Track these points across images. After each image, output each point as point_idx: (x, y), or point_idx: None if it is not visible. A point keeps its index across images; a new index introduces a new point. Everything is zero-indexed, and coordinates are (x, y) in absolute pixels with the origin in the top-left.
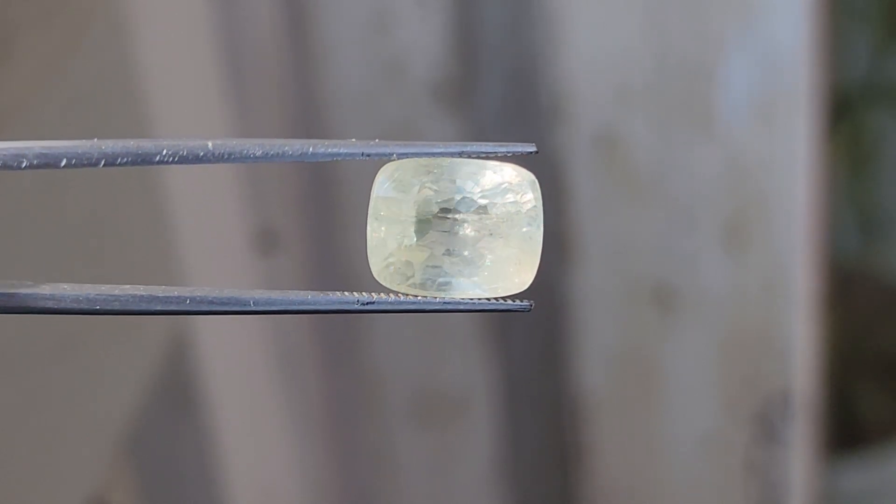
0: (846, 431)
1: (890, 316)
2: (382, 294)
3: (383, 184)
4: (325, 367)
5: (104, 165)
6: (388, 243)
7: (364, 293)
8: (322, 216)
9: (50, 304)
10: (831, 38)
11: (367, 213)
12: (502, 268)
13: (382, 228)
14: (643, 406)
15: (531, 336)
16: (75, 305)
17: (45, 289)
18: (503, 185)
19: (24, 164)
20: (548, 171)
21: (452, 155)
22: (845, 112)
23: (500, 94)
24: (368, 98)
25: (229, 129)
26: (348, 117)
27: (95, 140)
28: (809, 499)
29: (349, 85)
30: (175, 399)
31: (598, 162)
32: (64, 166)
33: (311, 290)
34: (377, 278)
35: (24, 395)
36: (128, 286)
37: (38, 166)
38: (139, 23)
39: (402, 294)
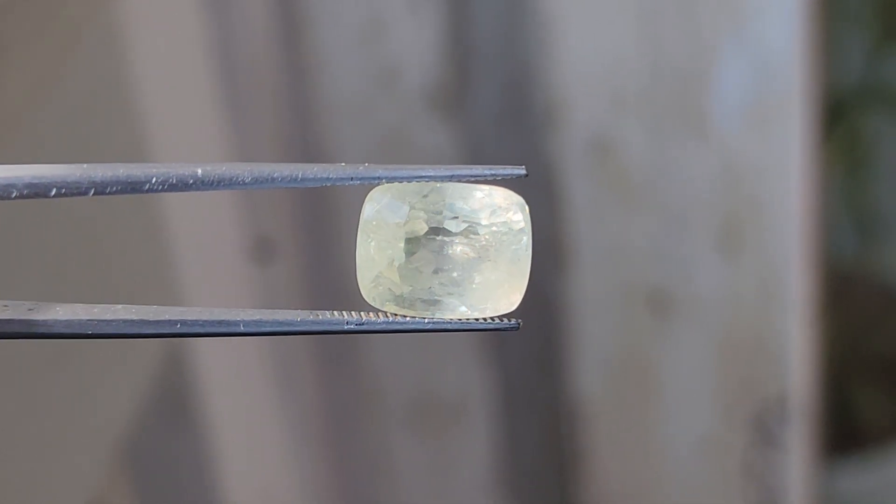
0: (843, 434)
1: (886, 318)
2: (372, 315)
3: (373, 205)
4: (321, 374)
5: (94, 194)
6: (377, 262)
7: (354, 313)
8: (318, 225)
9: (42, 330)
10: (825, 41)
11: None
12: (491, 288)
13: (371, 248)
14: (640, 411)
15: (527, 342)
16: (67, 330)
17: (38, 314)
18: (492, 208)
19: (14, 195)
20: (542, 177)
21: (442, 179)
22: (840, 115)
23: (493, 101)
24: (363, 105)
25: (224, 137)
26: (343, 124)
27: (85, 166)
28: (807, 502)
29: (343, 92)
30: (172, 407)
31: (592, 168)
32: (54, 195)
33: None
34: (366, 297)
35: (22, 403)
36: (120, 307)
37: (28, 196)
38: (132, 32)
39: (392, 314)
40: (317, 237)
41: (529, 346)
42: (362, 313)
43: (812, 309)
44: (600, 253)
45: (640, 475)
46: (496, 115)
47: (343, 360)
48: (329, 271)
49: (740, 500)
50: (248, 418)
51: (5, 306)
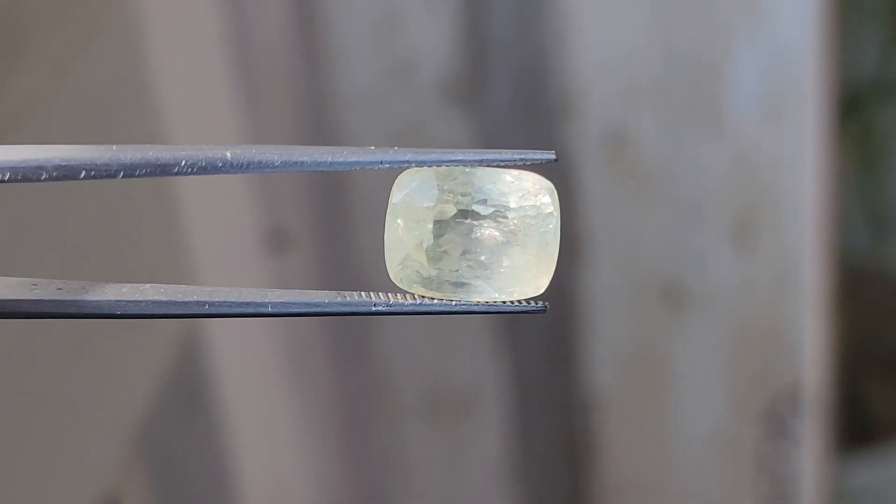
0: (856, 428)
1: None
2: (398, 296)
3: (402, 188)
4: (335, 365)
5: (123, 177)
6: (406, 244)
7: (380, 294)
8: (333, 215)
9: (71, 310)
10: (840, 34)
11: (380, 212)
12: (518, 272)
13: (400, 230)
14: (653, 403)
15: (541, 333)
16: (96, 310)
17: (67, 294)
18: (521, 192)
19: (43, 177)
20: (557, 169)
21: (471, 163)
22: (854, 109)
23: (509, 93)
24: (378, 98)
25: (240, 129)
26: (359, 117)
27: (115, 148)
28: (819, 495)
29: (359, 85)
30: (187, 398)
31: (607, 160)
32: (83, 178)
33: (322, 288)
34: (393, 279)
35: (36, 394)
36: (148, 286)
37: (57, 178)
38: (150, 23)
39: (418, 296)
40: (332, 227)
41: (543, 338)
42: (390, 294)
43: (825, 302)
44: (614, 245)
45: (653, 466)
46: (511, 107)
47: (357, 349)
48: (344, 261)
49: (752, 492)
50: (261, 408)
51: (34, 286)
